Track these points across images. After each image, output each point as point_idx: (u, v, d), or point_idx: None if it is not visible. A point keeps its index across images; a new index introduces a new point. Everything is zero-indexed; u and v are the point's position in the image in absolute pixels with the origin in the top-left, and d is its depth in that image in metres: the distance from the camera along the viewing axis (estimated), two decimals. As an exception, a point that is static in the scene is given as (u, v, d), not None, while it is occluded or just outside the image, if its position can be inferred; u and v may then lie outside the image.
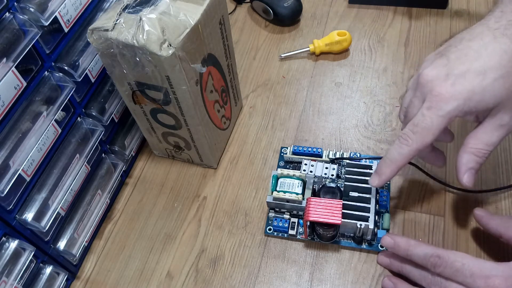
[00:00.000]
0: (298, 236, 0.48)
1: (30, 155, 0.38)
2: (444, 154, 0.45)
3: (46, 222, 0.40)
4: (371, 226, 0.44)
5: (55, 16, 0.38)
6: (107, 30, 0.39)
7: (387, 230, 0.46)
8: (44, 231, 0.40)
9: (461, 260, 0.37)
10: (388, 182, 0.50)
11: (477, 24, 0.39)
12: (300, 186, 0.48)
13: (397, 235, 0.43)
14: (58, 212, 0.42)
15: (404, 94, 0.44)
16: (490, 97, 0.36)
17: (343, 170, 0.51)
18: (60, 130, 0.43)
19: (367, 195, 0.47)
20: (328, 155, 0.52)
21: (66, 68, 0.41)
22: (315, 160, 0.51)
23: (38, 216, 0.40)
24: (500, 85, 0.36)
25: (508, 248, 0.44)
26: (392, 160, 0.41)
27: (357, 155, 0.52)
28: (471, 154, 0.39)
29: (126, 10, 0.40)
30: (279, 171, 0.49)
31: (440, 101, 0.37)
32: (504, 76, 0.36)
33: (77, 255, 0.46)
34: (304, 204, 0.46)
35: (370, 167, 0.49)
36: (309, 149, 0.52)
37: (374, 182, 0.43)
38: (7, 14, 0.35)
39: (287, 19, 0.68)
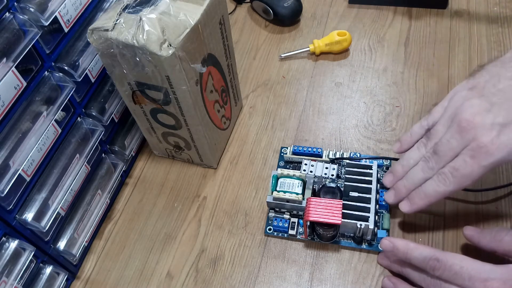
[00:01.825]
0: (298, 236, 0.48)
1: (30, 155, 0.38)
2: None
3: (46, 222, 0.40)
4: (371, 226, 0.44)
5: (55, 16, 0.38)
6: (107, 30, 0.39)
7: (387, 230, 0.46)
8: (44, 231, 0.40)
9: (460, 263, 0.37)
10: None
11: (509, 56, 0.39)
12: (300, 186, 0.48)
13: (396, 238, 0.43)
14: (58, 212, 0.42)
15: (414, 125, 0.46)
16: None
17: (343, 170, 0.51)
18: (60, 130, 0.43)
19: (367, 195, 0.47)
20: (328, 155, 0.52)
21: (66, 68, 0.41)
22: (315, 160, 0.51)
23: (38, 216, 0.40)
24: None
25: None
26: (427, 195, 0.42)
27: (357, 155, 0.52)
28: None
29: (126, 10, 0.40)
30: (279, 171, 0.49)
31: (485, 153, 0.37)
32: None
33: (77, 255, 0.46)
34: (304, 204, 0.46)
35: (370, 167, 0.49)
36: (309, 149, 0.52)
37: (404, 208, 0.44)
38: (7, 14, 0.35)
39: (287, 19, 0.68)
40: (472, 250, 0.45)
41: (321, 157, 0.52)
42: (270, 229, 0.48)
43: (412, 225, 0.48)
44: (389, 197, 0.46)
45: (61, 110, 0.41)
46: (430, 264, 0.38)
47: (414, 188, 0.43)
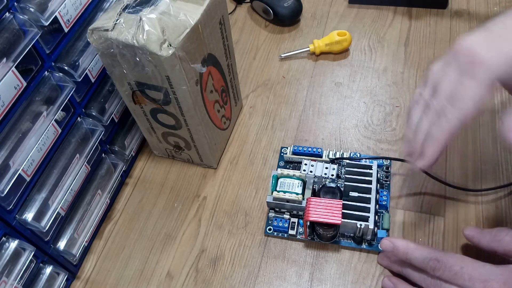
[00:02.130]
0: (298, 236, 0.48)
1: (30, 155, 0.38)
2: None
3: (46, 222, 0.40)
4: (371, 226, 0.44)
5: (55, 16, 0.38)
6: (107, 30, 0.39)
7: (387, 230, 0.46)
8: (44, 231, 0.40)
9: (460, 263, 0.37)
10: (388, 182, 0.50)
11: None
12: (300, 186, 0.48)
13: (397, 238, 0.43)
14: (58, 212, 0.42)
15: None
16: None
17: (343, 170, 0.51)
18: (60, 130, 0.43)
19: (367, 195, 0.47)
20: (328, 155, 0.52)
21: (66, 68, 0.41)
22: (315, 160, 0.51)
23: (38, 216, 0.40)
24: None
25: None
26: (435, 139, 0.37)
27: (357, 155, 0.52)
28: None
29: (126, 10, 0.40)
30: (279, 171, 0.49)
31: (481, 65, 0.34)
32: None
33: (77, 255, 0.46)
34: (304, 204, 0.46)
35: (370, 167, 0.49)
36: (309, 149, 0.52)
37: (420, 164, 0.39)
38: (7, 14, 0.35)
39: (287, 19, 0.68)
40: (472, 251, 0.45)
41: (321, 157, 0.52)
42: (270, 229, 0.48)
43: (412, 225, 0.48)
44: (410, 161, 0.40)
45: (61, 110, 0.41)
46: (430, 264, 0.38)
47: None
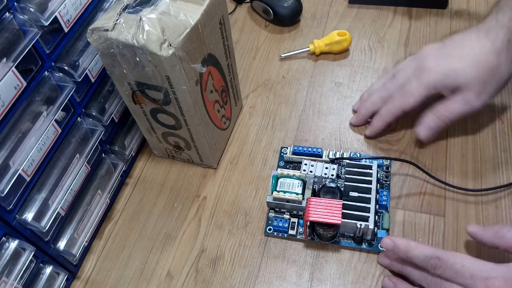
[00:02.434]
0: (298, 236, 0.48)
1: (30, 155, 0.38)
2: None
3: (46, 222, 0.40)
4: (371, 226, 0.44)
5: (55, 16, 0.38)
6: (107, 30, 0.39)
7: (387, 230, 0.46)
8: (44, 231, 0.40)
9: (461, 261, 0.37)
10: (388, 182, 0.50)
11: (473, 26, 0.49)
12: (300, 186, 0.48)
13: (397, 237, 0.43)
14: (58, 212, 0.42)
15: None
16: (462, 76, 0.47)
17: (343, 170, 0.51)
18: (60, 130, 0.43)
19: (367, 195, 0.47)
20: (328, 155, 0.52)
21: (66, 68, 0.41)
22: (315, 160, 0.51)
23: (38, 216, 0.40)
24: (471, 69, 0.46)
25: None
26: (382, 115, 0.52)
27: (357, 155, 0.52)
28: (434, 115, 0.49)
29: (126, 10, 0.40)
30: (279, 171, 0.49)
31: (425, 72, 0.48)
32: (476, 65, 0.46)
33: (77, 255, 0.46)
34: (304, 204, 0.46)
35: (370, 167, 0.49)
36: (309, 149, 0.52)
37: (366, 132, 0.54)
38: (7, 14, 0.35)
39: (287, 19, 0.68)
40: (472, 250, 0.45)
41: (321, 157, 0.52)
42: (270, 229, 0.48)
43: (412, 225, 0.48)
44: (353, 119, 0.56)
45: (61, 110, 0.41)
46: (431, 262, 0.38)
47: (373, 108, 0.53)
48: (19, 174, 0.37)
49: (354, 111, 0.57)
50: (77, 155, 0.45)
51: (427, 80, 0.48)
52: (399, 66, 0.52)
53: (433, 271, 0.38)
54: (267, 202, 0.48)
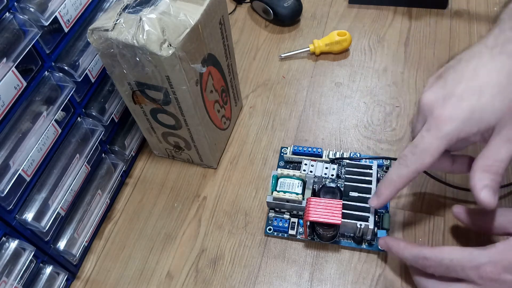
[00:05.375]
0: (298, 236, 0.48)
1: (30, 155, 0.38)
2: (468, 159, 0.42)
3: (46, 222, 0.40)
4: (371, 226, 0.44)
5: (55, 16, 0.38)
6: (107, 30, 0.39)
7: (387, 230, 0.46)
8: (44, 231, 0.40)
9: (449, 256, 0.37)
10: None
11: (476, 44, 0.39)
12: (300, 186, 0.48)
13: (390, 237, 0.43)
14: (58, 212, 0.42)
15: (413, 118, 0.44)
16: (490, 114, 0.36)
17: (343, 170, 0.51)
18: (60, 130, 0.43)
19: (367, 195, 0.47)
20: (328, 155, 0.52)
21: (66, 68, 0.41)
22: (315, 160, 0.51)
23: (38, 216, 0.40)
24: (499, 101, 0.35)
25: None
26: (391, 181, 0.41)
27: (357, 155, 0.52)
28: (482, 171, 0.37)
29: (126, 10, 0.40)
30: (279, 171, 0.49)
31: (438, 123, 0.37)
32: (502, 92, 0.35)
33: (77, 255, 0.46)
34: (304, 204, 0.46)
35: (370, 167, 0.49)
36: (309, 149, 0.52)
37: (373, 203, 0.43)
38: (7, 14, 0.35)
39: (287, 19, 0.68)
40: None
41: (321, 157, 0.52)
42: (270, 229, 0.48)
43: (412, 225, 0.48)
44: (371, 200, 0.44)
45: (61, 110, 0.41)
46: (420, 263, 0.39)
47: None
48: (19, 174, 0.37)
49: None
50: (77, 155, 0.45)
51: (445, 131, 0.37)
52: (413, 124, 0.42)
53: (425, 271, 0.39)
54: (267, 202, 0.48)
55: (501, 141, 0.36)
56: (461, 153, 0.42)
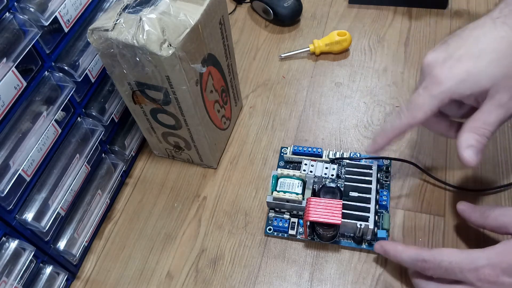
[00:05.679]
0: (298, 236, 0.48)
1: (30, 155, 0.38)
2: (456, 125, 0.43)
3: (46, 222, 0.40)
4: (371, 226, 0.44)
5: (55, 16, 0.38)
6: (107, 30, 0.39)
7: (387, 230, 0.46)
8: (44, 231, 0.40)
9: (447, 258, 0.37)
10: (388, 182, 0.50)
11: (483, 17, 0.40)
12: (300, 186, 0.48)
13: (387, 241, 0.43)
14: (58, 212, 0.42)
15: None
16: (485, 78, 0.37)
17: (343, 170, 0.51)
18: (60, 130, 0.43)
19: (367, 195, 0.47)
20: (328, 155, 0.52)
21: (66, 68, 0.41)
22: (315, 160, 0.51)
23: (38, 216, 0.40)
24: (496, 66, 0.37)
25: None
26: (385, 131, 0.43)
27: (357, 155, 0.52)
28: (470, 132, 0.39)
29: (126, 10, 0.40)
30: (279, 171, 0.49)
31: (434, 82, 0.39)
32: (500, 59, 0.37)
33: (77, 255, 0.46)
34: (304, 204, 0.46)
35: (370, 167, 0.49)
36: (309, 149, 0.52)
37: (369, 149, 0.45)
38: (7, 14, 0.35)
39: (287, 19, 0.68)
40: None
41: (321, 157, 0.52)
42: (270, 229, 0.48)
43: (412, 225, 0.48)
44: (368, 147, 0.46)
45: (61, 110, 0.41)
46: (419, 266, 0.39)
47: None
48: (19, 174, 0.37)
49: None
50: (77, 155, 0.45)
51: (439, 90, 0.39)
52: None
53: (424, 274, 0.39)
54: (267, 202, 0.48)
55: (493, 106, 0.38)
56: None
